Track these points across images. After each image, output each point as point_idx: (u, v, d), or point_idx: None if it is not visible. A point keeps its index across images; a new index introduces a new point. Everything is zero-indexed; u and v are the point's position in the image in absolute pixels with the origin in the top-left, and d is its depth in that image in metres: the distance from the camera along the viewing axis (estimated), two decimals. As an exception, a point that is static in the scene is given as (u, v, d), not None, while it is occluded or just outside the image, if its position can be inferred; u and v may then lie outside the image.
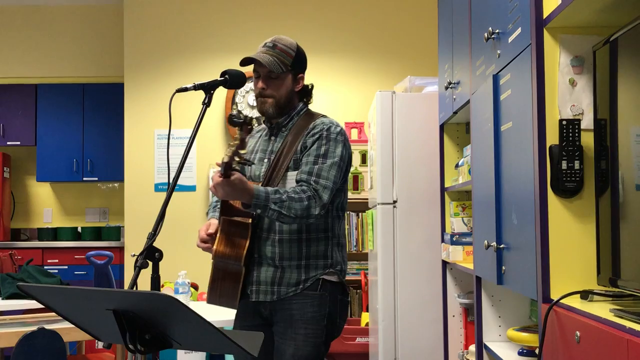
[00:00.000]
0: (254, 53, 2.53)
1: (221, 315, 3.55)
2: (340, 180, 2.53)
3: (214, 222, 2.56)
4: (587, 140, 1.94)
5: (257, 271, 2.51)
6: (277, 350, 2.49)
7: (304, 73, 2.64)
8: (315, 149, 2.48)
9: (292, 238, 2.49)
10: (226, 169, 2.24)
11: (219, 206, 2.67)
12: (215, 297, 2.57)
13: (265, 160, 2.59)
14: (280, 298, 2.49)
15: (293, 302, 2.48)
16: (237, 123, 2.20)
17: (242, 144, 2.19)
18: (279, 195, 2.35)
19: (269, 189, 2.38)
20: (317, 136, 2.50)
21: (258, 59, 2.48)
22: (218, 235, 2.46)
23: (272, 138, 2.62)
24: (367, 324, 4.85)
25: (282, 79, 2.53)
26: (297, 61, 2.57)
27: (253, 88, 2.61)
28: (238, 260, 2.45)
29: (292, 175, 2.49)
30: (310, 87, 2.65)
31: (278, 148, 2.56)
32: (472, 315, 3.19)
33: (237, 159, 2.21)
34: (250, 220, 2.46)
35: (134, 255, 1.96)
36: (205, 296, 2.66)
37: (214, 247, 2.44)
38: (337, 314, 2.54)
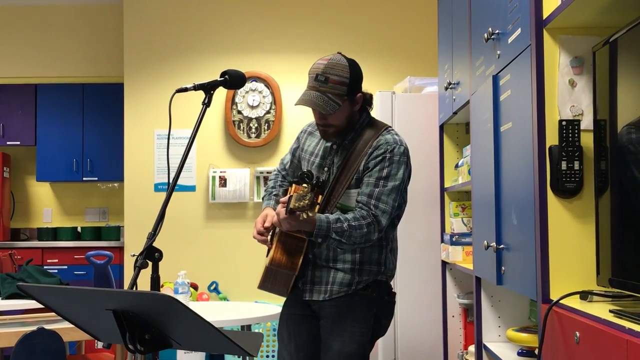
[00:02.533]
0: (306, 88, 2.49)
1: (221, 315, 3.55)
2: (399, 202, 2.53)
3: (271, 214, 2.59)
4: (587, 140, 1.94)
5: (312, 272, 2.56)
6: (324, 344, 2.55)
7: (361, 90, 2.57)
8: (377, 171, 2.47)
9: None
10: (292, 210, 2.29)
11: (275, 192, 2.75)
12: (267, 286, 2.63)
13: (325, 169, 2.60)
14: (332, 297, 2.53)
15: (342, 300, 2.52)
16: (308, 183, 2.27)
17: (313, 206, 2.22)
18: (340, 225, 2.39)
19: (331, 217, 2.40)
20: (379, 158, 2.48)
21: (309, 105, 2.45)
22: (275, 244, 2.51)
23: (334, 147, 2.61)
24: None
25: (339, 110, 2.48)
26: (351, 86, 2.50)
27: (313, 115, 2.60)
28: (293, 271, 2.51)
29: (353, 193, 2.50)
30: (369, 97, 2.60)
31: (340, 162, 2.56)
32: (472, 316, 3.19)
33: (304, 215, 2.24)
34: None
35: (134, 255, 1.96)
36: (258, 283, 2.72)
37: (272, 254, 2.48)
38: (383, 314, 2.59)
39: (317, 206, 2.43)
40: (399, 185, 2.49)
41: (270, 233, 2.64)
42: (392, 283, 3.81)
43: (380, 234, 2.48)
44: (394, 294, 2.63)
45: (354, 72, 2.52)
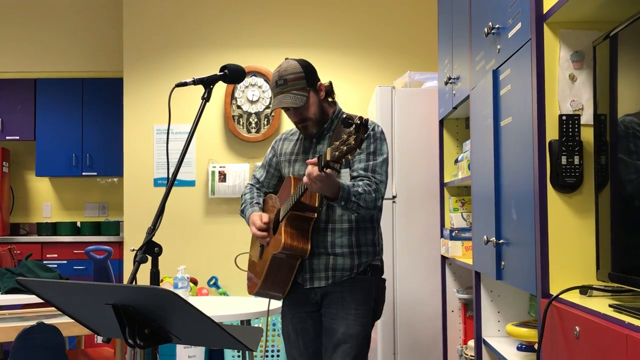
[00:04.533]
0: (274, 98, 2.71)
1: (220, 310, 3.55)
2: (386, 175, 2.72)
3: (265, 214, 2.74)
4: (587, 135, 1.94)
5: (310, 260, 2.66)
6: (328, 329, 2.66)
7: (319, 79, 2.76)
8: (365, 148, 2.65)
9: (343, 227, 2.66)
10: (328, 163, 2.30)
11: (256, 201, 2.86)
12: (265, 288, 2.70)
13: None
14: (335, 282, 2.65)
15: (345, 285, 2.65)
16: (353, 124, 2.23)
17: (361, 144, 2.23)
18: (357, 189, 2.53)
19: (348, 182, 2.57)
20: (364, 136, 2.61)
21: (281, 106, 2.67)
22: (283, 229, 2.59)
23: (314, 140, 2.77)
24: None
25: (308, 101, 2.68)
26: (309, 77, 2.70)
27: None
28: (304, 252, 2.61)
29: (344, 173, 2.65)
30: (329, 84, 2.78)
31: (326, 148, 2.65)
32: (471, 311, 3.19)
33: (349, 157, 2.26)
34: (315, 216, 2.62)
35: (133, 250, 1.96)
36: (250, 290, 2.80)
37: (282, 240, 2.56)
38: (379, 297, 2.74)
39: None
40: (386, 158, 2.69)
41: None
42: (391, 277, 3.81)
43: (381, 202, 2.64)
44: (384, 279, 2.78)
45: (305, 66, 2.71)
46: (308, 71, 2.71)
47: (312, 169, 2.38)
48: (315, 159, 2.41)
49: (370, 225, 2.72)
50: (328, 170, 2.35)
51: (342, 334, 2.61)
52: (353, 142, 2.21)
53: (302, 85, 2.67)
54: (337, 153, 2.25)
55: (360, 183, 2.57)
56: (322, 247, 2.65)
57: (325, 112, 2.75)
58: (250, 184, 2.99)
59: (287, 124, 5.90)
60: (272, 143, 2.99)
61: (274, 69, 2.76)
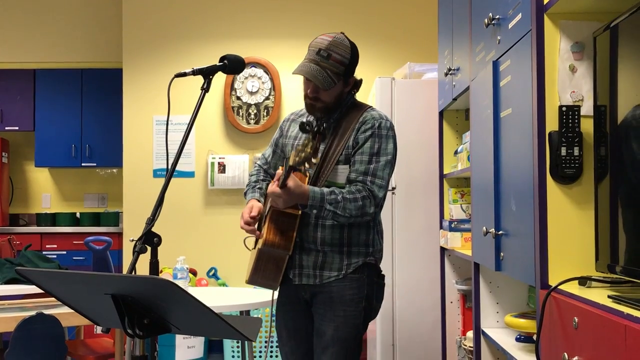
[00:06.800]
0: (305, 59, 2.52)
1: (220, 301, 3.56)
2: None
3: (257, 205, 2.64)
4: (587, 126, 1.94)
5: (300, 255, 2.57)
6: (317, 331, 2.58)
7: (354, 73, 2.61)
8: (368, 147, 2.53)
9: (334, 224, 2.54)
10: (287, 176, 2.29)
11: (259, 186, 2.77)
12: (257, 278, 2.62)
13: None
14: (322, 282, 2.56)
15: (333, 285, 2.56)
16: (310, 131, 2.22)
17: (316, 153, 2.21)
18: (334, 196, 2.43)
19: (325, 189, 2.44)
20: (369, 133, 2.54)
21: (308, 76, 2.50)
22: (267, 224, 2.50)
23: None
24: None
25: (333, 88, 2.53)
26: (350, 67, 2.55)
27: (303, 87, 2.60)
28: (287, 250, 2.51)
29: (342, 169, 2.54)
30: (359, 82, 2.63)
31: (328, 139, 2.57)
32: (470, 302, 3.20)
33: (306, 165, 2.24)
34: (300, 212, 2.51)
35: (133, 240, 1.96)
36: (246, 277, 2.71)
37: (264, 235, 2.49)
38: (373, 296, 2.61)
39: (318, 157, 2.41)
40: (391, 159, 2.57)
41: (257, 223, 2.64)
42: (390, 268, 3.80)
43: (377, 209, 2.52)
44: (383, 276, 2.67)
45: (354, 55, 2.56)
46: (352, 62, 2.55)
47: (273, 188, 2.37)
48: (280, 171, 2.38)
49: (365, 225, 2.58)
50: (290, 183, 2.33)
51: (331, 337, 2.53)
52: (309, 150, 2.18)
53: (339, 71, 2.51)
54: (297, 159, 2.22)
55: (344, 190, 2.46)
56: (311, 242, 2.55)
57: (339, 103, 2.60)
58: (259, 165, 2.88)
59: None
60: (281, 123, 2.84)
61: (323, 34, 2.56)
